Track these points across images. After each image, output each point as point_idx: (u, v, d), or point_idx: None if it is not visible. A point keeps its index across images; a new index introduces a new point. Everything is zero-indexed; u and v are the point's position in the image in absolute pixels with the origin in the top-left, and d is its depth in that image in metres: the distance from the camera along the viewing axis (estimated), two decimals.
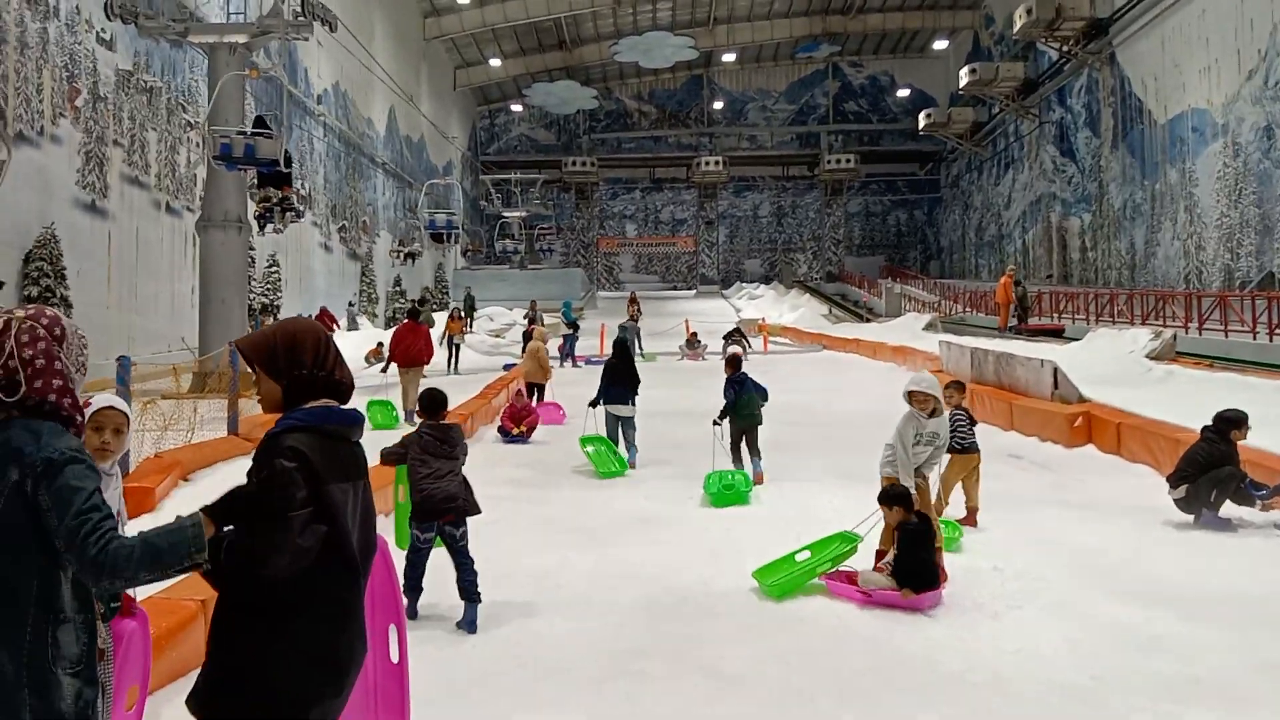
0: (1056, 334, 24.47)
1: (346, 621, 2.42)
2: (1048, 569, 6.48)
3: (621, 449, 10.77)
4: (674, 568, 6.58)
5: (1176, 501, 7.92)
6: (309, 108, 33.17)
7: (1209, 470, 7.78)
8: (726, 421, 9.80)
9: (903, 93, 60.36)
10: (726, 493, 8.84)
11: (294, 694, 2.32)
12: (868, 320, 39.40)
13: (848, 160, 59.94)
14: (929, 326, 27.64)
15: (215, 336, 17.98)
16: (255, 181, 20.19)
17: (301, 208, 22.19)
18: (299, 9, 18.99)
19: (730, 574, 6.41)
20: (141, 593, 3.38)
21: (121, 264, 21.34)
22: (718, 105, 62.13)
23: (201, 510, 2.31)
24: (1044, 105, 41.48)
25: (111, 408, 3.56)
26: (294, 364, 2.50)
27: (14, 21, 17.86)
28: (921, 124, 51.66)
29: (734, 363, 10.31)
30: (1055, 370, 12.20)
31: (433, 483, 5.75)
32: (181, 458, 9.38)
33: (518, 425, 12.53)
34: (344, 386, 2.60)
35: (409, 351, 14.48)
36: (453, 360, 23.70)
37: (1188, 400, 11.26)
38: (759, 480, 9.44)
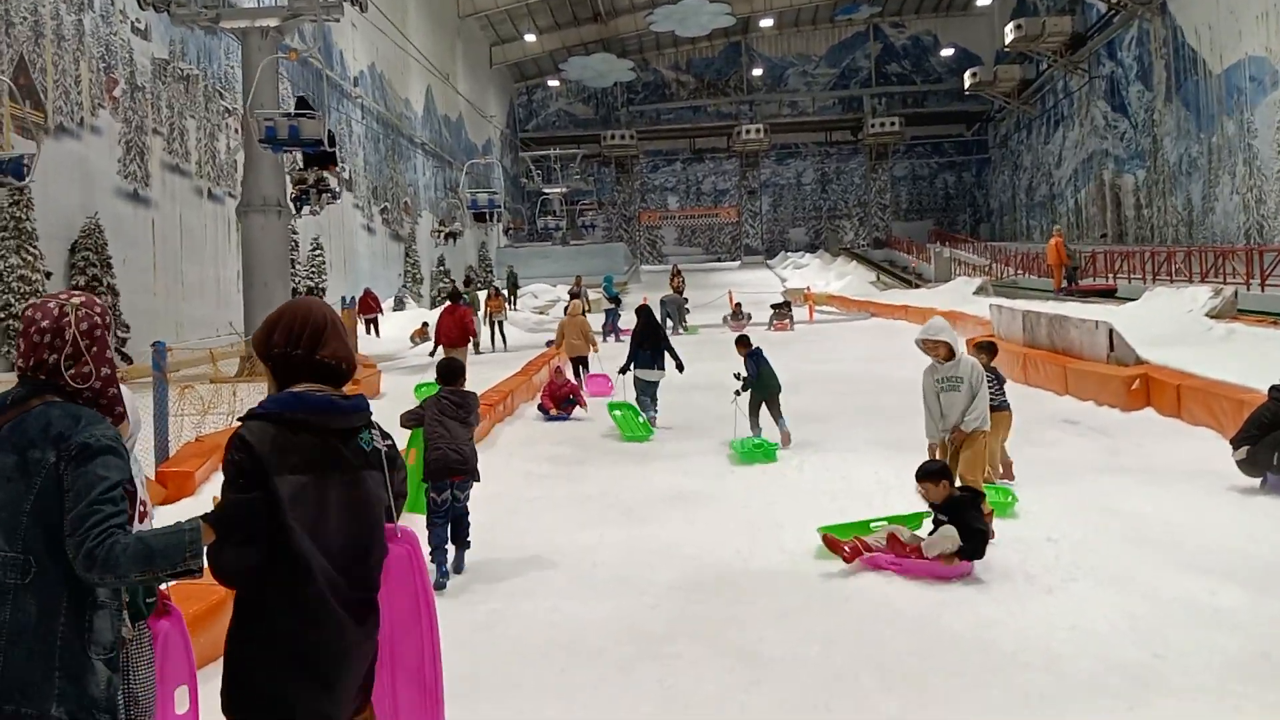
0: (1109, 294, 24.02)
1: (315, 619, 2.27)
2: (1104, 539, 6.20)
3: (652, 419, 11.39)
4: (711, 545, 6.39)
5: (1239, 464, 7.56)
6: (345, 90, 33.20)
7: (1272, 431, 7.42)
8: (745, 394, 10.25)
9: (947, 52, 59.00)
10: (755, 450, 9.28)
11: (274, 693, 2.26)
12: (917, 286, 38.72)
13: (892, 123, 58.82)
14: (980, 290, 27.05)
15: (259, 320, 17.97)
16: (300, 163, 20.29)
17: (338, 189, 22.18)
18: None
19: (769, 551, 6.22)
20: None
21: (166, 251, 21.56)
22: (757, 72, 61.25)
23: (201, 517, 2.23)
24: (1093, 60, 40.24)
25: None
26: (269, 343, 2.41)
27: (50, 15, 17.99)
28: (967, 84, 50.44)
29: (745, 342, 10.83)
30: (1111, 331, 11.77)
31: (447, 444, 6.10)
32: (221, 441, 9.35)
33: (558, 405, 12.36)
34: (329, 368, 2.42)
35: (448, 333, 15.31)
36: (496, 338, 23.78)
37: (1251, 359, 10.80)
38: (786, 440, 9.80)
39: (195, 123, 23.43)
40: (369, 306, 27.33)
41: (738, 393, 10.07)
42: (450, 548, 6.15)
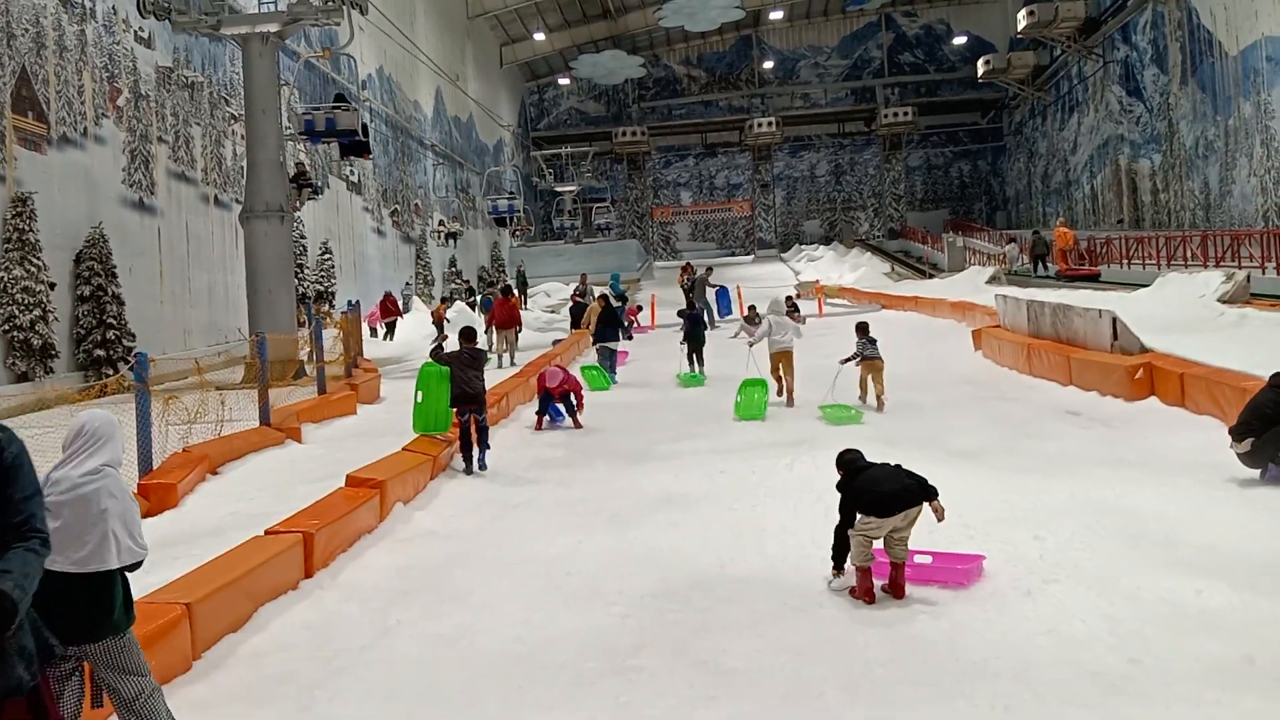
0: (1093, 279, 25.18)
1: None
2: (1094, 537, 6.03)
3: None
4: (692, 551, 6.26)
5: (1240, 456, 7.36)
6: (353, 93, 33.17)
7: (1277, 423, 7.19)
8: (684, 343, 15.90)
9: (959, 40, 58.39)
10: (691, 380, 15.02)
11: None
12: (931, 276, 38.36)
13: (905, 113, 58.27)
14: (992, 279, 26.74)
15: (264, 326, 17.98)
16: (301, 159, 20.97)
17: (320, 184, 22.75)
18: None
19: (750, 556, 6.08)
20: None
21: (173, 259, 21.59)
22: (768, 65, 60.80)
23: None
24: (1107, 44, 39.70)
25: None
26: None
27: (52, 25, 18.03)
28: (980, 71, 49.88)
29: (690, 305, 16.68)
30: (1114, 320, 11.54)
31: (465, 384, 9.18)
32: (210, 451, 9.30)
33: (558, 398, 11.66)
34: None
35: (499, 317, 20.38)
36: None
37: (1261, 345, 10.55)
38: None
39: (201, 130, 23.46)
40: (389, 310, 27.49)
41: (681, 343, 15.73)
42: (475, 451, 9.26)
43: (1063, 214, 44.91)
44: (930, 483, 5.37)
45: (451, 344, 10.63)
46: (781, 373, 12.41)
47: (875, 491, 5.31)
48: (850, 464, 5.62)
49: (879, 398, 11.57)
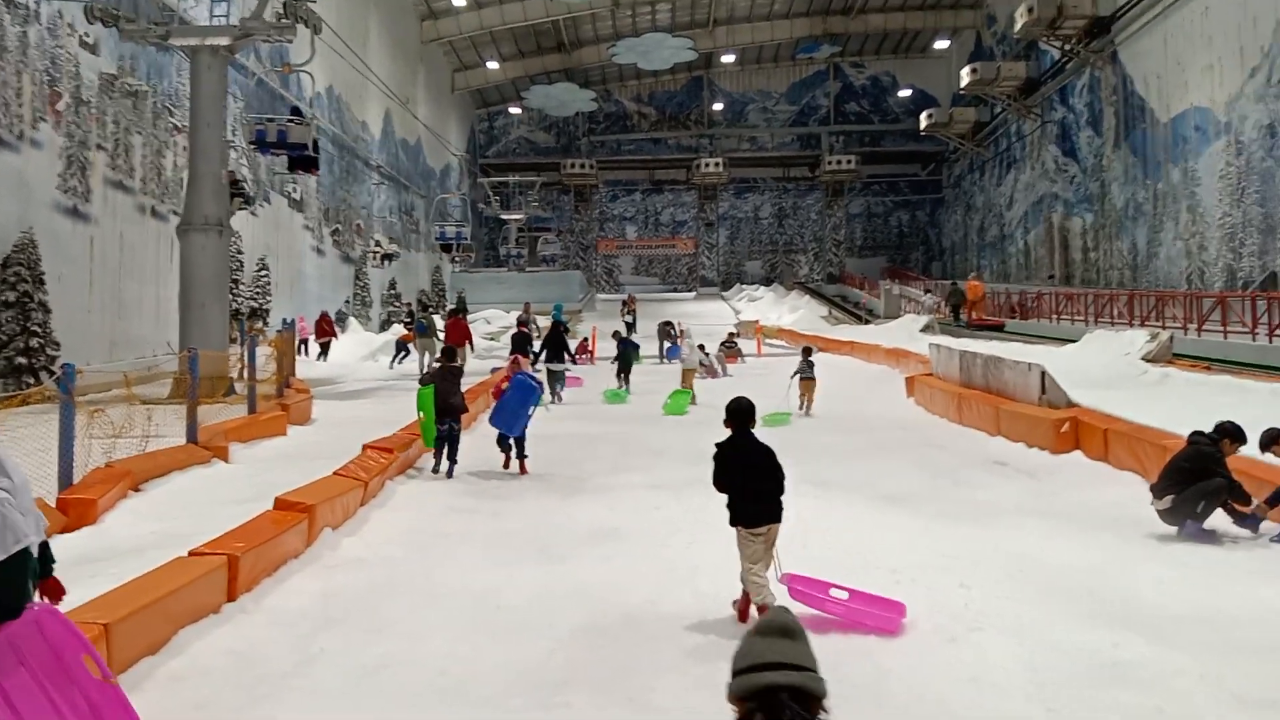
0: (997, 329, 28.52)
1: None
2: (1018, 587, 6.15)
3: (549, 394, 15.95)
4: (624, 587, 6.24)
5: (1160, 513, 7.58)
6: (304, 109, 32.86)
7: (1196, 480, 7.43)
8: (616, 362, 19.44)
9: (904, 93, 59.91)
10: (615, 396, 17.96)
11: None
12: (867, 322, 39.03)
13: (849, 161, 59.47)
14: (926, 328, 27.31)
15: (195, 341, 17.60)
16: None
17: (252, 194, 22.69)
18: (280, 11, 18.69)
19: (682, 594, 6.09)
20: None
21: (104, 268, 21.10)
22: (718, 106, 61.73)
23: None
24: (1046, 104, 41.06)
25: None
26: None
27: None
28: (923, 124, 51.21)
29: (619, 334, 21.53)
30: (1043, 374, 11.84)
31: (447, 398, 10.39)
32: (133, 467, 9.07)
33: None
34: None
35: (452, 335, 21.59)
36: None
37: (1182, 404, 10.92)
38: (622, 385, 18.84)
39: (142, 139, 23.04)
40: (324, 330, 27.18)
41: (611, 362, 19.19)
42: (446, 461, 10.39)
43: (991, 268, 46.41)
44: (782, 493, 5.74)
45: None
46: (690, 382, 17.52)
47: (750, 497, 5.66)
48: (739, 413, 5.86)
49: (809, 409, 15.27)
